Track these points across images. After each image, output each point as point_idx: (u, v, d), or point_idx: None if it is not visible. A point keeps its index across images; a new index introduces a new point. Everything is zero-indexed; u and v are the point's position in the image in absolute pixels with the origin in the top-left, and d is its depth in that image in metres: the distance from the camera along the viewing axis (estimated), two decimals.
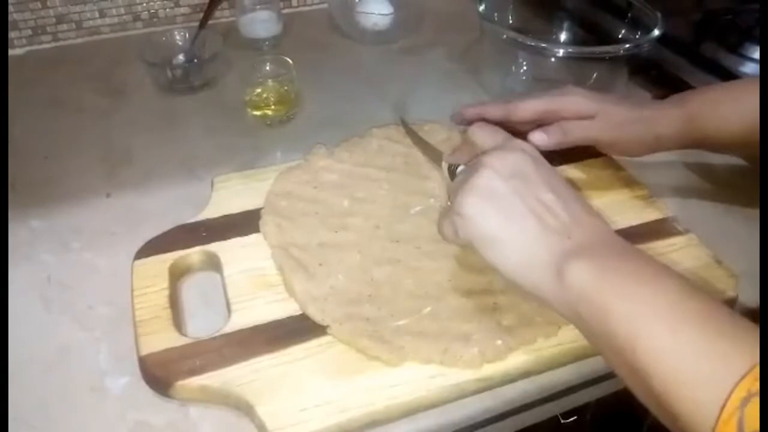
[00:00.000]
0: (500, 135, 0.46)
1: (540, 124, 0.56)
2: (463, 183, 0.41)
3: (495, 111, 0.59)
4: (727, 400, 0.29)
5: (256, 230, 0.53)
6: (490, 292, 0.48)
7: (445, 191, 0.55)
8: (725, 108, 0.54)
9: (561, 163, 0.61)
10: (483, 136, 0.46)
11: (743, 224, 0.58)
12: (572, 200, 0.41)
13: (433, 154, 0.58)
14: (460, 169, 0.48)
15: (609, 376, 0.48)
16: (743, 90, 0.55)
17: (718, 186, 0.63)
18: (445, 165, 0.51)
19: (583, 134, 0.55)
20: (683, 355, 0.31)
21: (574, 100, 0.55)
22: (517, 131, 0.62)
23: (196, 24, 0.79)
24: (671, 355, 0.32)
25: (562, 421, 0.56)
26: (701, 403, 0.30)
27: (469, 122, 0.63)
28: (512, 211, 0.39)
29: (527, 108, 0.57)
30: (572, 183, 0.60)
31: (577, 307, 0.36)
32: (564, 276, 0.36)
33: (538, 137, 0.55)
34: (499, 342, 0.45)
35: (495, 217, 0.39)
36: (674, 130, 0.55)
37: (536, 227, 0.38)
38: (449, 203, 0.43)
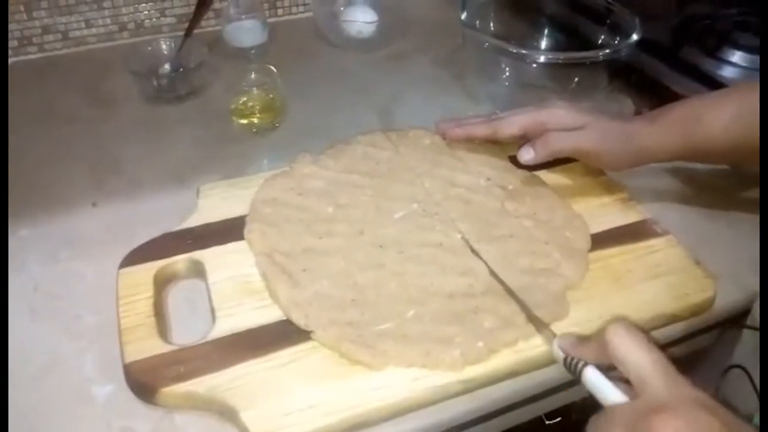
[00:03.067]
0: (659, 364, 0.36)
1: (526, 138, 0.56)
2: None
3: (481, 130, 0.60)
4: None
5: (241, 237, 0.54)
6: (471, 295, 0.49)
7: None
8: (709, 119, 0.53)
9: (541, 168, 0.62)
10: (635, 360, 0.36)
11: (722, 226, 0.59)
12: None
13: (543, 331, 0.47)
14: (599, 383, 0.39)
15: None
16: (725, 100, 0.55)
17: (697, 189, 0.64)
18: (557, 352, 0.43)
19: (570, 144, 0.55)
20: None
21: (559, 113, 0.56)
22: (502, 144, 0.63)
23: (182, 33, 0.80)
24: None
25: (546, 422, 0.57)
26: None
27: (456, 142, 0.63)
28: None
29: (513, 124, 0.57)
30: (552, 187, 0.61)
31: None
32: None
33: (526, 155, 0.55)
34: (481, 344, 0.45)
35: None
36: (655, 144, 0.55)
37: None
38: None
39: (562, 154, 0.57)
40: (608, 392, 0.38)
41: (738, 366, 0.47)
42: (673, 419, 0.33)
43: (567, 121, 0.55)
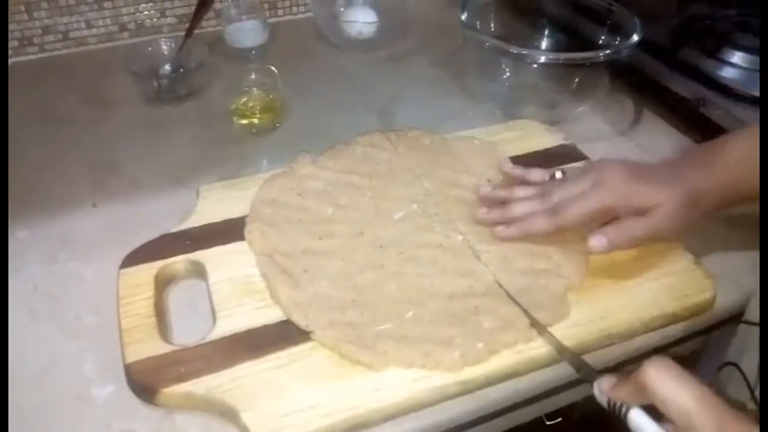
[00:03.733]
0: (706, 401, 0.34)
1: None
2: None
3: (542, 224, 0.51)
4: None
5: (242, 238, 0.54)
6: (471, 296, 0.49)
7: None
8: (754, 161, 0.48)
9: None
10: (681, 397, 0.34)
11: (721, 227, 0.59)
12: None
13: (582, 369, 0.44)
14: (634, 414, 0.37)
15: None
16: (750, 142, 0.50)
17: None
18: (600, 396, 0.41)
19: (648, 234, 0.49)
20: None
21: (625, 191, 0.49)
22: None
23: (183, 34, 0.80)
24: None
25: (547, 423, 0.56)
26: None
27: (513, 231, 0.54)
28: None
29: (579, 216, 0.50)
30: None
31: None
32: None
33: (598, 243, 0.49)
34: (480, 345, 0.45)
35: None
36: (719, 203, 0.50)
37: None
38: None
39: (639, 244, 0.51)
40: (647, 426, 0.36)
41: (731, 363, 0.47)
42: None
43: (636, 201, 0.49)
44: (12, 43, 0.83)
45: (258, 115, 0.71)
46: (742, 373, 0.45)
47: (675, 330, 0.51)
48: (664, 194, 0.48)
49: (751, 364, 0.46)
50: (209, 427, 0.43)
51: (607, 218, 0.50)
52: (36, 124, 0.73)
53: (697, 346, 0.53)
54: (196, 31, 0.80)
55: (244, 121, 0.71)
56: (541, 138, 0.68)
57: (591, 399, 0.42)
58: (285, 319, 0.47)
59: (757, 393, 0.45)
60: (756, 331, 0.46)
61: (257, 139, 0.71)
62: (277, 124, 0.72)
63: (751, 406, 0.45)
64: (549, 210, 0.51)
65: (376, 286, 0.49)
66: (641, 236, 0.49)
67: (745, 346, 0.50)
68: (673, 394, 0.35)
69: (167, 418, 0.44)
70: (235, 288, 0.50)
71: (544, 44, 0.82)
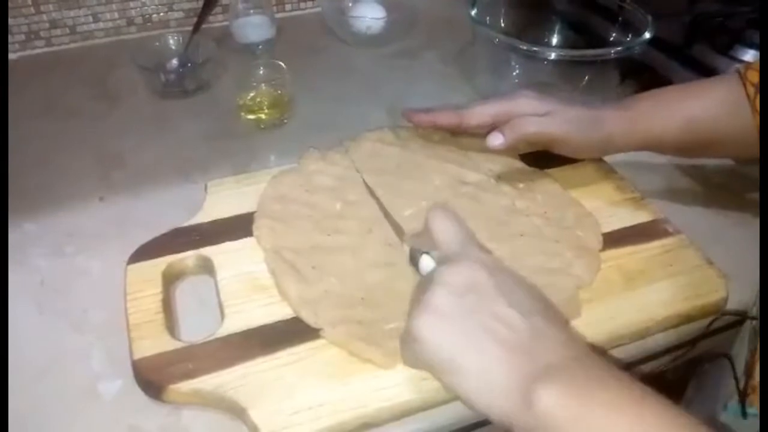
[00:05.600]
0: (459, 232, 0.42)
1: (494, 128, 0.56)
2: (416, 302, 0.38)
3: (447, 118, 0.59)
4: None
5: (250, 234, 0.54)
6: None
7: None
8: (666, 112, 0.55)
9: (551, 166, 0.61)
10: (442, 228, 0.43)
11: (733, 226, 0.59)
12: (534, 312, 0.38)
13: (396, 229, 0.54)
14: (427, 264, 0.44)
15: None
16: (682, 94, 0.56)
17: (708, 188, 0.64)
18: (406, 248, 0.48)
19: (536, 128, 0.55)
20: None
21: (526, 102, 0.56)
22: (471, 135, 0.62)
23: (190, 28, 0.79)
24: None
25: None
26: None
27: (421, 127, 0.63)
28: (467, 332, 0.36)
29: (480, 113, 0.57)
30: (563, 186, 0.60)
31: None
32: (531, 403, 0.33)
33: (495, 141, 0.55)
34: None
35: (449, 339, 0.36)
36: (622, 131, 0.55)
37: (493, 348, 0.35)
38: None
39: (530, 139, 0.56)
40: (427, 263, 0.44)
41: (724, 355, 0.48)
42: (447, 270, 0.39)
43: (534, 109, 0.55)
44: (19, 37, 0.83)
45: (266, 111, 0.71)
46: (732, 364, 0.46)
47: (687, 330, 0.50)
48: (560, 105, 0.55)
49: (737, 354, 0.47)
50: (217, 424, 0.43)
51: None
52: (43, 118, 0.72)
53: (711, 345, 0.52)
54: (203, 26, 0.80)
55: (252, 117, 0.71)
56: None
57: None
58: (294, 316, 0.47)
59: (741, 384, 0.46)
60: (747, 324, 0.47)
61: (265, 135, 0.71)
62: (285, 120, 0.72)
63: (735, 397, 0.46)
64: (458, 110, 0.59)
65: (386, 283, 0.49)
66: (531, 132, 0.55)
67: (739, 338, 0.50)
68: (440, 225, 0.43)
69: (174, 414, 0.43)
70: (243, 284, 0.50)
71: (554, 41, 0.82)
